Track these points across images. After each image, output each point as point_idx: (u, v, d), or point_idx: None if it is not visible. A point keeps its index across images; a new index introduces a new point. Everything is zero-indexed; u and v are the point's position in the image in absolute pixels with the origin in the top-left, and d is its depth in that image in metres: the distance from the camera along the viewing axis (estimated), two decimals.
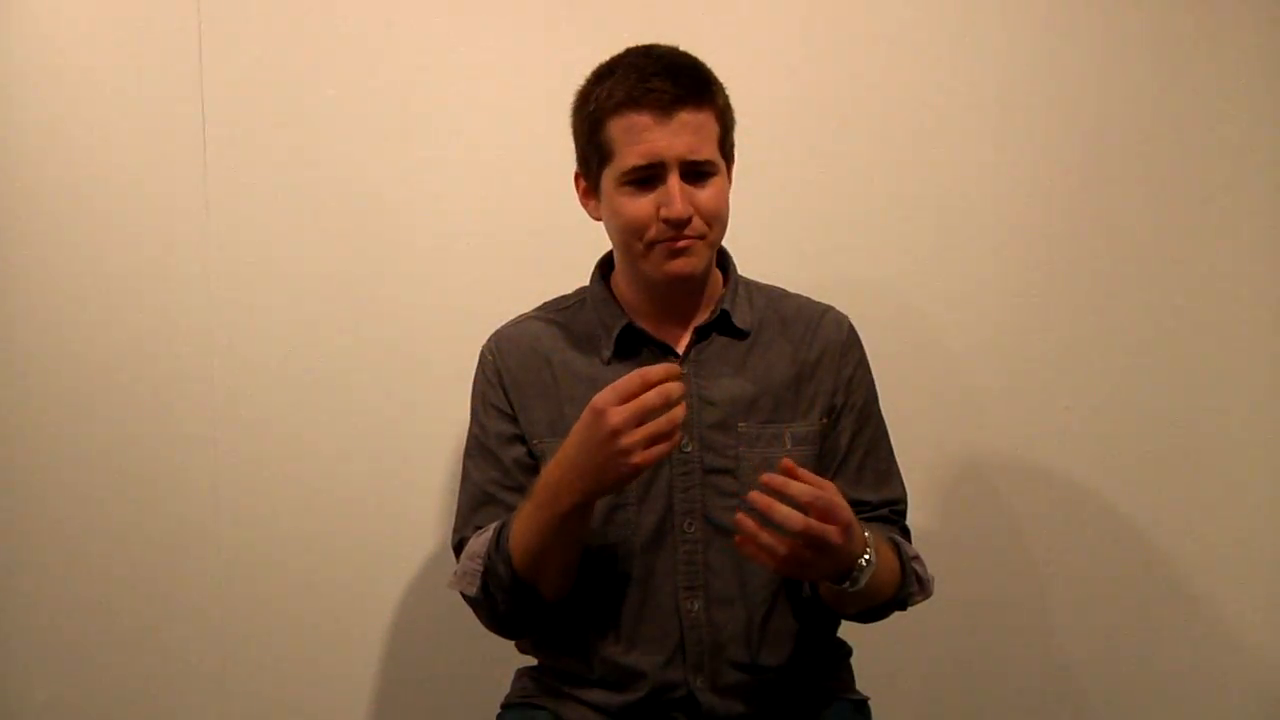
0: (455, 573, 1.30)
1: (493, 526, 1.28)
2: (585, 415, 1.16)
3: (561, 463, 1.19)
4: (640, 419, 1.12)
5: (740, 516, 1.13)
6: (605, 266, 1.40)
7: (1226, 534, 1.81)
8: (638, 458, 1.13)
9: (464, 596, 1.31)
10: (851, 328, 1.40)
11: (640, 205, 1.25)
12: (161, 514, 1.75)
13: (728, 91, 1.31)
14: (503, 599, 1.26)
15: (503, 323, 1.41)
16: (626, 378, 1.14)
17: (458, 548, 1.34)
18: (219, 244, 1.75)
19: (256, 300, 1.75)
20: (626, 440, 1.12)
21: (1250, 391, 1.81)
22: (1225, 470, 1.81)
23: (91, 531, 1.75)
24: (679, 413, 1.13)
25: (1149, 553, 1.82)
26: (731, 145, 1.32)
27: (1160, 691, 1.82)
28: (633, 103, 1.24)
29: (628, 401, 1.12)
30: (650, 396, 1.12)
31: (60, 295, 1.74)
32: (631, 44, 1.31)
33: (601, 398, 1.14)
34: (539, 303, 1.44)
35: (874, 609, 1.30)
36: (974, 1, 1.79)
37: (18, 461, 1.74)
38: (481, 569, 1.26)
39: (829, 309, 1.41)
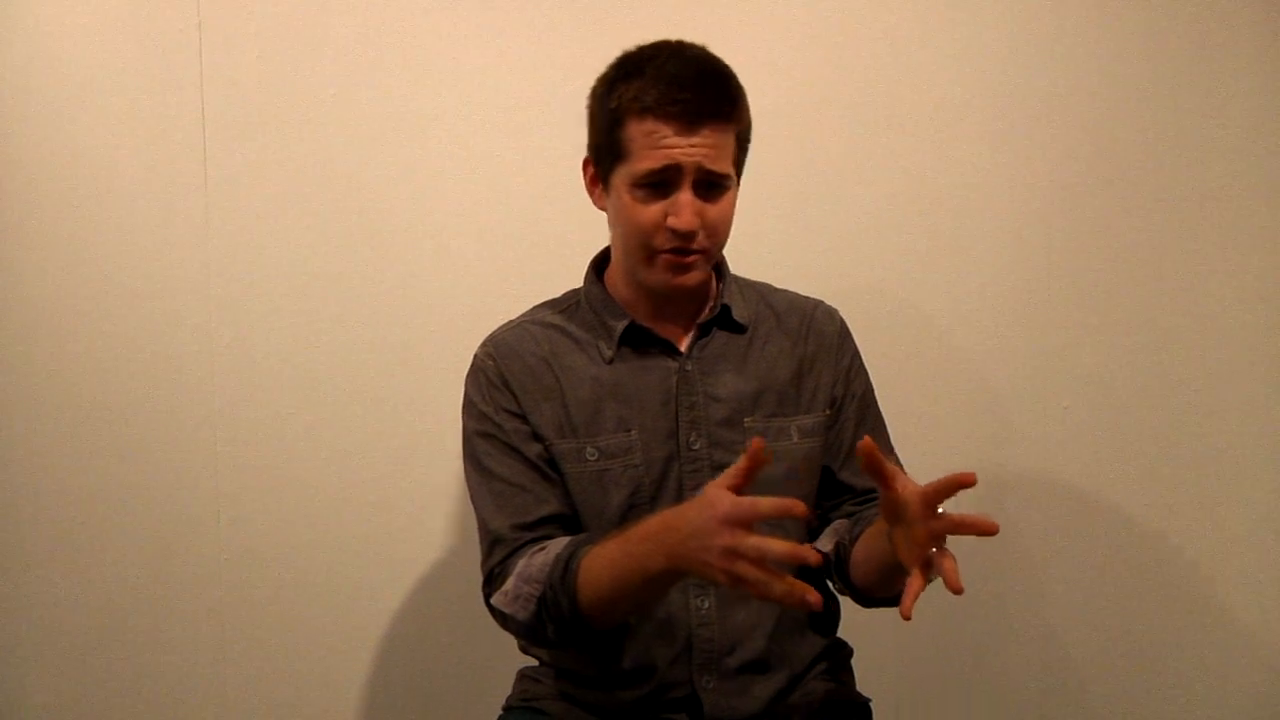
0: (504, 592, 1.24)
1: (554, 552, 1.22)
2: (708, 497, 1.07)
3: (667, 523, 1.11)
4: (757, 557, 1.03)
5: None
6: (599, 266, 1.39)
7: (1226, 533, 1.81)
8: (727, 572, 1.04)
9: (502, 613, 1.26)
10: (843, 320, 1.41)
11: (649, 212, 1.24)
12: (162, 514, 1.76)
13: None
14: (554, 629, 1.21)
15: (496, 325, 1.39)
16: (758, 507, 1.04)
17: (494, 545, 1.28)
18: (219, 244, 1.75)
19: (256, 300, 1.75)
20: (726, 564, 1.04)
21: (1250, 391, 1.81)
22: (1225, 470, 1.81)
23: (91, 531, 1.75)
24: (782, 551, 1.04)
25: (1149, 552, 1.82)
26: (744, 162, 1.31)
27: (1160, 690, 1.82)
28: (658, 109, 1.21)
29: (750, 518, 1.04)
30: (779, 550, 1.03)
31: (60, 295, 1.74)
32: (629, 47, 1.29)
33: (730, 500, 1.05)
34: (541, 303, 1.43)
35: None
36: (975, 3, 1.79)
37: (18, 461, 1.75)
38: (539, 595, 1.21)
39: (819, 303, 1.41)
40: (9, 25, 1.72)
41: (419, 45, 1.75)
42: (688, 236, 1.24)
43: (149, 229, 1.74)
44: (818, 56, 1.78)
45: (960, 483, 1.04)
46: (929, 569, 1.08)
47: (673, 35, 1.30)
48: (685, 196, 1.22)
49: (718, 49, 1.30)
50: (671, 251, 1.25)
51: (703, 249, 1.26)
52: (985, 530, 1.05)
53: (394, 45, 1.75)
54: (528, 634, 1.26)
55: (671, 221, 1.23)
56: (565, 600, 1.19)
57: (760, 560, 1.02)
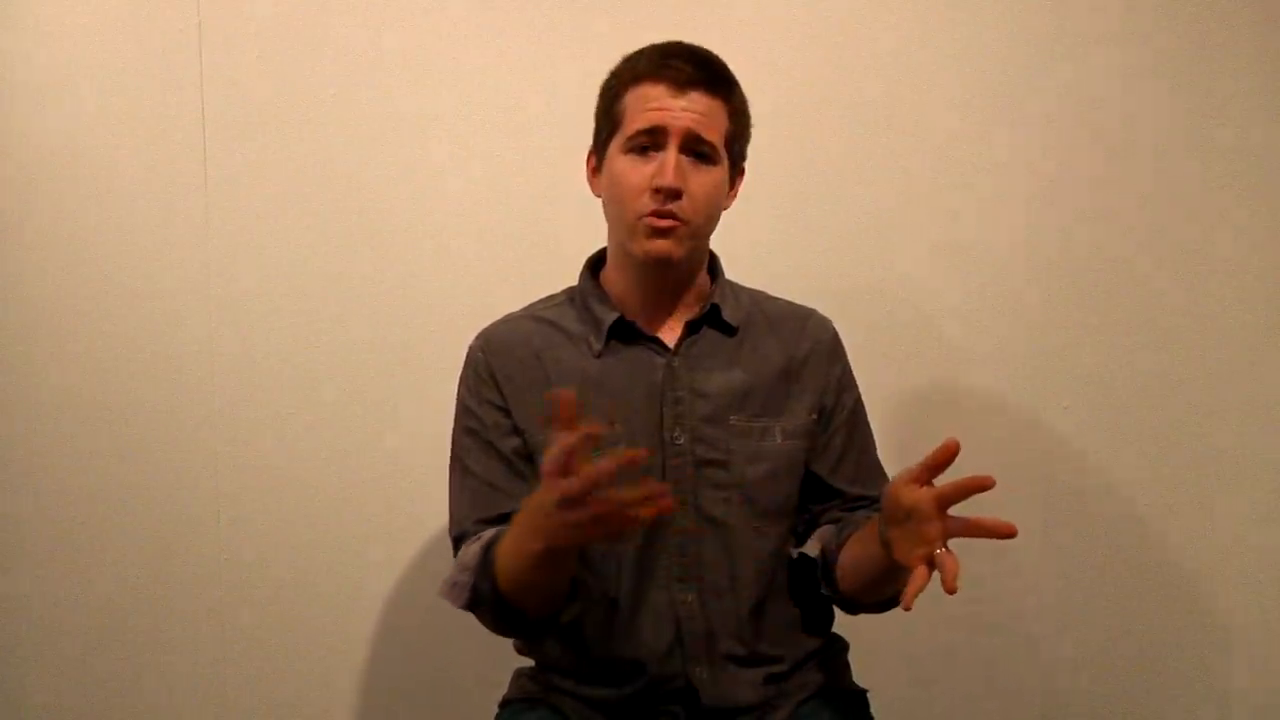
0: (445, 581, 1.27)
1: (484, 538, 1.25)
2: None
3: (530, 503, 1.14)
4: (588, 491, 1.04)
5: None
6: (595, 265, 1.40)
7: (1226, 533, 1.81)
8: (575, 525, 1.06)
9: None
10: (835, 331, 1.41)
11: (638, 174, 1.27)
12: (162, 514, 1.76)
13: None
14: (489, 615, 1.24)
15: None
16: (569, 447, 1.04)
17: (458, 540, 1.31)
18: (219, 244, 1.75)
19: (256, 300, 1.75)
20: (572, 515, 1.05)
21: (1250, 391, 1.81)
22: (1225, 470, 1.81)
23: (91, 531, 1.75)
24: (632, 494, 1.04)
25: (1149, 552, 1.82)
26: (740, 152, 1.33)
27: (1157, 687, 1.82)
28: (650, 75, 1.27)
29: (562, 460, 1.04)
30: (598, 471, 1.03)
31: (60, 295, 1.74)
32: (629, 47, 1.32)
33: (548, 455, 1.06)
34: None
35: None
36: (975, 3, 1.79)
37: (18, 462, 1.75)
38: (470, 583, 1.23)
39: (812, 311, 1.42)
40: (9, 25, 1.72)
41: (419, 45, 1.76)
42: (671, 195, 1.25)
43: (149, 229, 1.74)
44: (818, 56, 1.78)
45: (978, 485, 1.05)
46: (931, 566, 1.09)
47: (673, 36, 1.31)
48: (671, 156, 1.26)
49: (718, 49, 1.31)
50: (653, 215, 1.26)
51: (685, 218, 1.27)
52: (1003, 533, 1.06)
53: (394, 45, 1.75)
54: (477, 617, 1.27)
55: (656, 180, 1.25)
56: (488, 585, 1.21)
57: (598, 489, 1.03)
